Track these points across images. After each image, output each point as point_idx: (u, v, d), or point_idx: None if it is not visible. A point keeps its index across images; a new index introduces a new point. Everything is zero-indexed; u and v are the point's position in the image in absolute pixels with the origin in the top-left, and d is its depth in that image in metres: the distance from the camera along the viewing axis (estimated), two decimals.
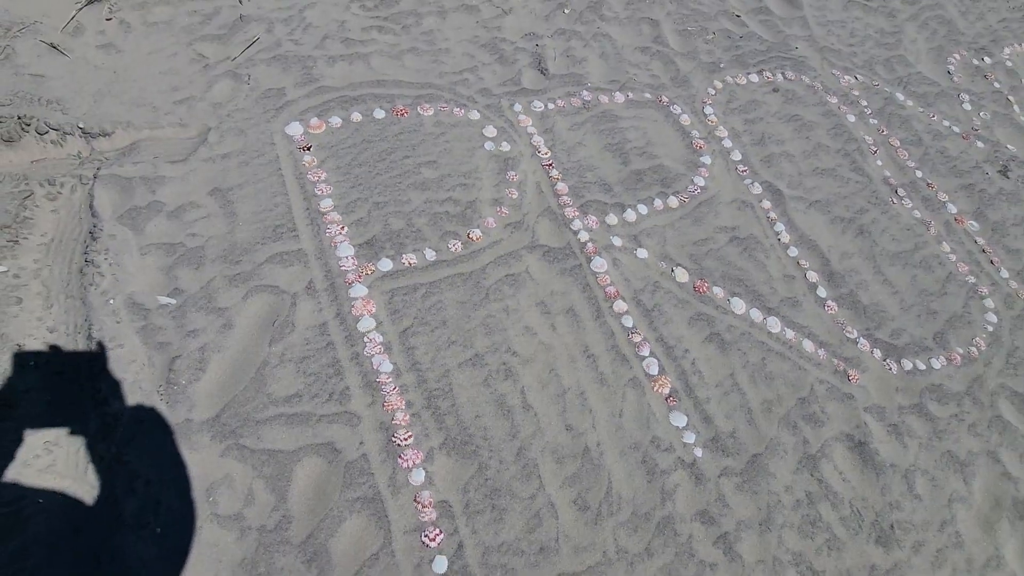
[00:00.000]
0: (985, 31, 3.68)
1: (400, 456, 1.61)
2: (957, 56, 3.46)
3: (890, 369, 2.18)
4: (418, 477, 1.60)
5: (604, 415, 1.83)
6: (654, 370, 1.95)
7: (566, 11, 2.90)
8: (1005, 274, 2.58)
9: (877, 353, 2.20)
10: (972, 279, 2.52)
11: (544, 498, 1.65)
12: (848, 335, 2.22)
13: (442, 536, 1.53)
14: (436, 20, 2.67)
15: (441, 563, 1.50)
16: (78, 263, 1.74)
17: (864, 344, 2.21)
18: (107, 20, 2.21)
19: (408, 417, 1.68)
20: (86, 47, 2.16)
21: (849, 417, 2.02)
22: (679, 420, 1.87)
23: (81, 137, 1.95)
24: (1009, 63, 3.54)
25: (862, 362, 2.17)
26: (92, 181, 1.87)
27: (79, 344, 1.61)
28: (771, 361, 2.07)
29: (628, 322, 2.03)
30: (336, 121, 2.22)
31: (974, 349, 2.31)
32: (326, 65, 2.37)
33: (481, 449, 1.69)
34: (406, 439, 1.64)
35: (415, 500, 1.57)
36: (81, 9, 2.21)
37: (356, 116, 2.26)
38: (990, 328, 2.39)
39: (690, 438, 1.85)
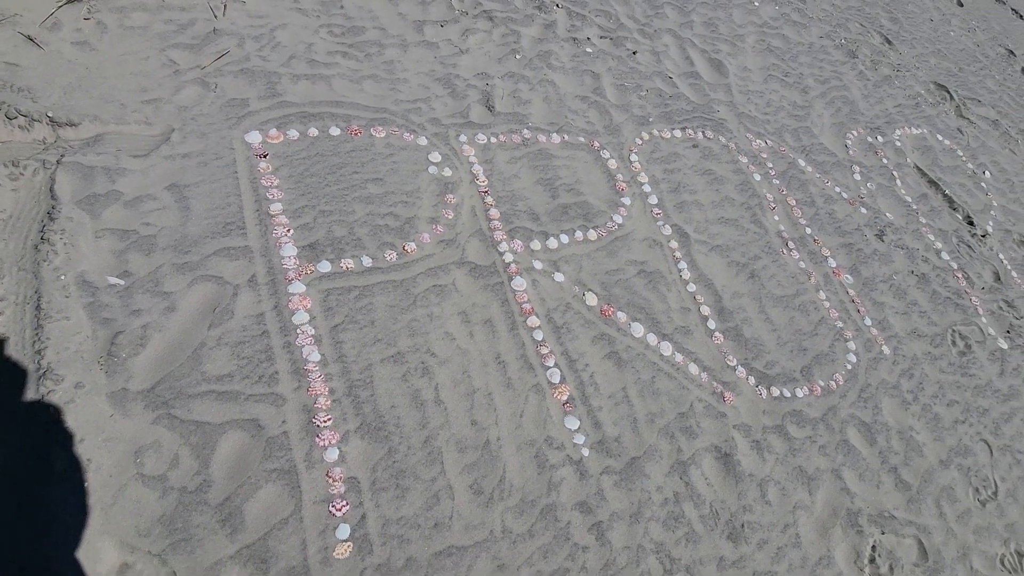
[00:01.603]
0: (882, 113, 4.26)
1: (318, 436, 1.82)
2: (855, 133, 3.99)
3: (760, 394, 2.53)
4: (332, 455, 1.81)
5: (507, 414, 2.09)
6: (556, 379, 2.23)
7: (517, 56, 3.23)
8: (868, 322, 3.01)
9: (751, 380, 2.56)
10: (840, 324, 2.94)
11: (444, 481, 1.89)
12: (728, 363, 2.57)
13: (348, 507, 1.74)
14: (397, 52, 2.95)
15: (344, 530, 1.71)
16: (33, 240, 1.89)
17: (741, 371, 2.57)
18: (85, 19, 2.38)
19: (329, 402, 1.89)
20: (62, 42, 2.32)
21: (720, 432, 2.36)
22: (572, 424, 2.15)
23: (48, 125, 2.10)
24: (898, 143, 4.11)
25: (738, 386, 2.52)
26: (55, 166, 2.02)
27: (27, 314, 1.76)
28: (659, 379, 2.39)
29: (538, 336, 2.31)
30: (294, 134, 2.45)
31: (833, 383, 2.70)
32: (290, 82, 2.60)
33: (392, 435, 1.91)
34: (325, 421, 1.85)
35: (327, 475, 1.77)
36: (61, 6, 2.38)
37: (313, 131, 2.49)
38: (849, 366, 2.80)
39: (580, 439, 2.13)
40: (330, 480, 1.76)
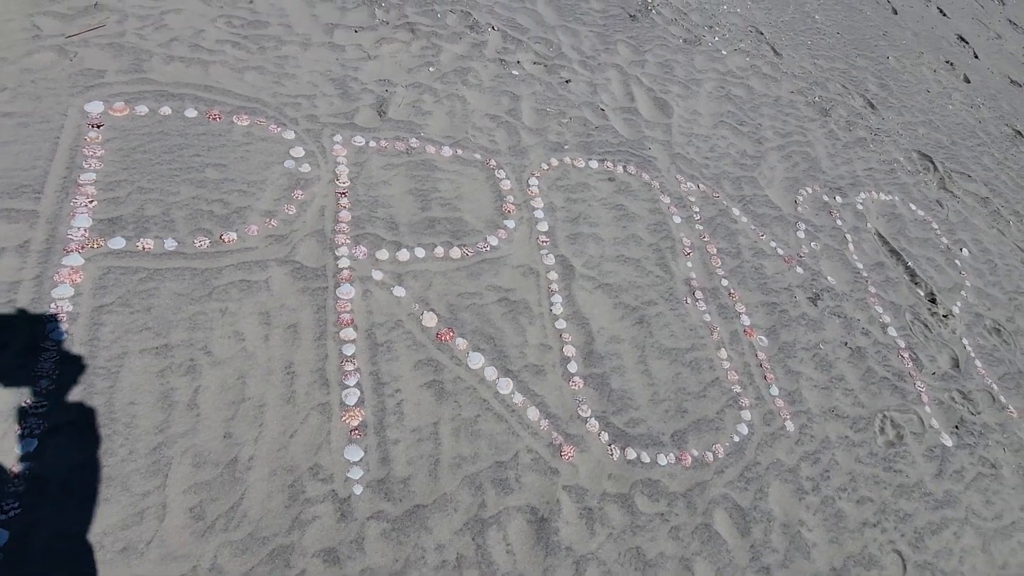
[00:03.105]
0: (847, 174, 3.94)
1: (21, 422, 1.58)
2: (809, 190, 3.68)
3: (612, 455, 2.17)
4: (28, 447, 1.56)
5: (274, 432, 1.81)
6: (352, 401, 1.94)
7: (431, 69, 3.12)
8: (774, 391, 2.62)
9: (604, 436, 2.20)
10: (738, 389, 2.56)
11: (158, 498, 1.60)
12: (581, 413, 2.23)
13: (16, 511, 1.47)
14: (296, 49, 2.86)
15: (2, 535, 1.44)
16: None
17: (594, 425, 2.21)
18: None
19: (52, 387, 1.66)
20: None
21: (544, 491, 2.00)
22: (354, 454, 1.85)
23: None
24: (860, 206, 3.77)
25: (584, 441, 2.16)
26: None
27: None
28: (485, 420, 2.07)
29: (348, 351, 2.04)
30: (142, 110, 2.34)
31: (710, 455, 2.31)
32: (161, 62, 2.52)
33: (116, 435, 1.65)
34: (38, 408, 1.61)
35: (10, 470, 1.52)
36: None
37: (166, 110, 2.38)
38: (737, 439, 2.40)
39: (356, 474, 1.82)
40: (8, 475, 1.51)
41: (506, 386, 2.18)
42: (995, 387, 3.16)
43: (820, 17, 5.48)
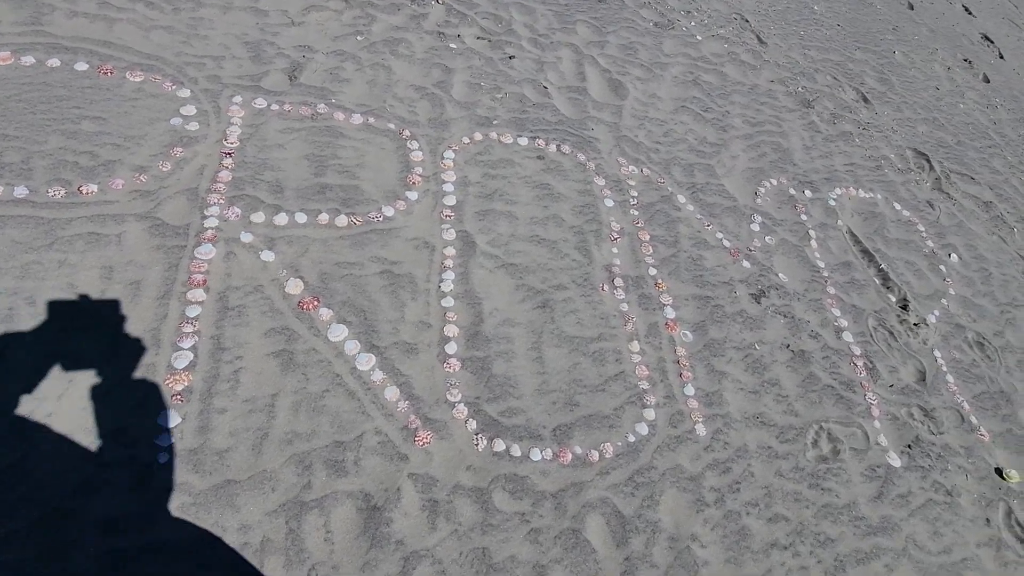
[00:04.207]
0: (823, 168, 3.61)
1: None
2: (774, 182, 3.38)
3: (477, 445, 1.96)
4: None
5: (82, 390, 1.68)
6: (181, 364, 1.80)
7: (359, 38, 3.00)
8: (690, 391, 2.35)
9: (472, 424, 1.99)
10: (645, 385, 2.31)
11: None
12: (450, 397, 2.03)
13: None
14: (215, 12, 2.79)
15: None
16: None
17: (462, 411, 2.01)
18: None
19: None
20: None
21: (384, 478, 1.80)
22: (170, 419, 1.70)
23: None
24: (833, 202, 3.44)
25: (447, 428, 1.96)
26: None
27: None
28: (333, 396, 1.90)
29: (192, 312, 1.91)
30: (29, 60, 2.29)
31: (596, 454, 2.07)
32: (63, 16, 2.48)
33: None
34: None
35: None
36: None
37: (54, 62, 2.33)
38: (632, 439, 2.15)
39: (165, 441, 1.67)
40: None
41: (366, 362, 2.00)
42: (967, 406, 2.79)
43: (820, 8, 5.14)
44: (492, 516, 1.84)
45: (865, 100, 4.30)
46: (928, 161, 4.04)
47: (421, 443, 1.90)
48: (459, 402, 2.03)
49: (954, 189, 3.94)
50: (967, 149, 4.35)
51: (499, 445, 1.98)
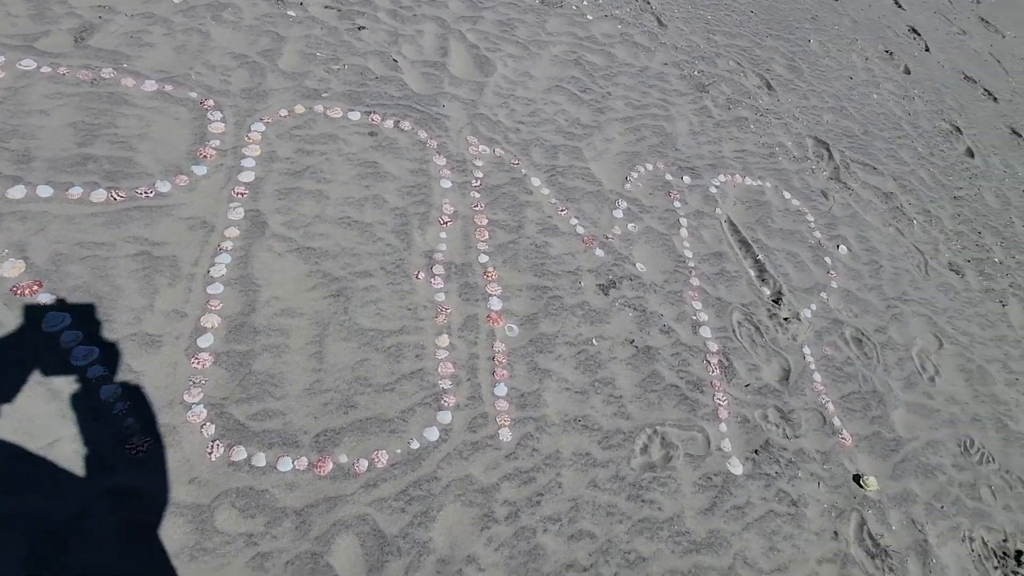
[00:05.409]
0: (709, 155, 3.39)
1: None
2: (650, 167, 3.15)
3: (209, 452, 1.67)
4: None
5: None
6: None
7: (176, 1, 2.70)
8: (501, 391, 2.08)
9: (209, 430, 1.70)
10: (447, 385, 2.04)
11: None
12: (188, 398, 1.74)
13: None
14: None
15: None
16: None
17: (199, 413, 1.72)
18: None
19: None
20: None
21: (75, 493, 1.50)
22: None
23: None
24: (713, 190, 3.21)
25: (176, 433, 1.67)
26: None
27: None
28: (28, 397, 1.60)
29: None
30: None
31: (364, 463, 1.79)
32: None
33: None
34: None
35: None
36: None
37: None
38: (415, 446, 1.87)
39: None
40: None
41: (84, 356, 1.70)
42: (831, 407, 2.56)
43: None
44: (208, 539, 1.55)
45: (769, 87, 4.11)
46: (828, 150, 3.84)
47: (133, 451, 1.61)
48: (197, 403, 1.74)
49: (853, 179, 3.75)
50: (874, 139, 4.17)
51: (239, 453, 1.70)
